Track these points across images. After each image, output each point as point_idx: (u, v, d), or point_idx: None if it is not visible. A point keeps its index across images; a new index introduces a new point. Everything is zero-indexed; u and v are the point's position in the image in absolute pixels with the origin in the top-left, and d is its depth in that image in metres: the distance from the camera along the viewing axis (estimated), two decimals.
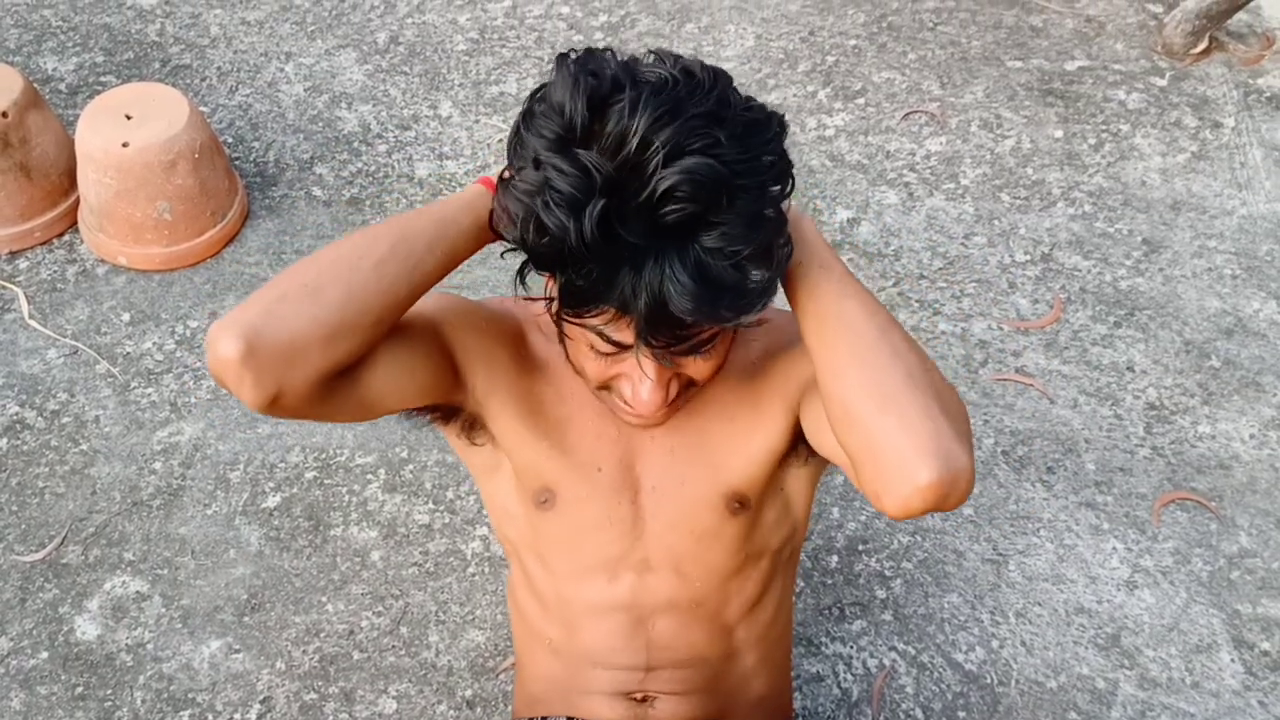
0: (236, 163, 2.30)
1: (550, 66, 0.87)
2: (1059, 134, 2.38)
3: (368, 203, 2.24)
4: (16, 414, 1.90)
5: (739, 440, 1.09)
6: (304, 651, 1.64)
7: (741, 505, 1.11)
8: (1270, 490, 1.82)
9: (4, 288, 2.09)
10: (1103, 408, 1.92)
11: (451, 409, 1.10)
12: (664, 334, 0.85)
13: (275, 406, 0.89)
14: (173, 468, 1.84)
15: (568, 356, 0.99)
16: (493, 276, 2.09)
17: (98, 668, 1.62)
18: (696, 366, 0.96)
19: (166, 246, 2.08)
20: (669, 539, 1.12)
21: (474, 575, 1.72)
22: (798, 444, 1.08)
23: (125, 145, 1.96)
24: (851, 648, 1.66)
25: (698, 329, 0.86)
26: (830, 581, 1.72)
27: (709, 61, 0.87)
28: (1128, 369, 1.98)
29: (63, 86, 2.45)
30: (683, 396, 1.01)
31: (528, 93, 0.90)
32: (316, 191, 2.26)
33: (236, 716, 1.58)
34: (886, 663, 1.64)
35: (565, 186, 0.79)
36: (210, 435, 1.88)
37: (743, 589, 1.17)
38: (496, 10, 2.65)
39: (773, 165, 0.84)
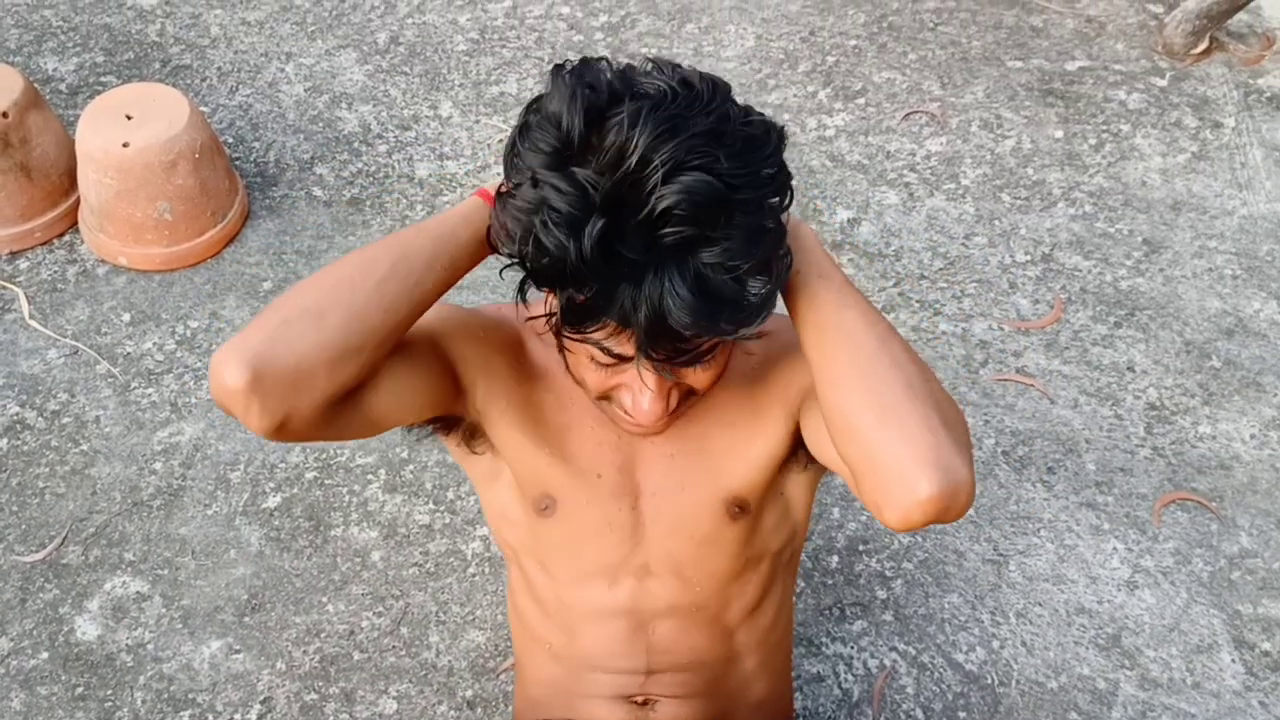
0: (237, 163, 2.30)
1: (550, 67, 0.85)
2: (1059, 134, 2.38)
3: (368, 203, 2.24)
4: (17, 414, 1.90)
5: (739, 446, 1.08)
6: (304, 652, 1.64)
7: (741, 510, 1.10)
8: (1271, 490, 1.82)
9: (4, 288, 2.09)
10: (1103, 408, 1.92)
11: (453, 419, 1.10)
12: (664, 346, 0.84)
13: (283, 432, 0.88)
14: (173, 468, 1.84)
15: (568, 367, 0.99)
16: (492, 276, 2.08)
17: (98, 668, 1.63)
18: (697, 376, 0.96)
19: (167, 247, 2.08)
20: (669, 544, 1.12)
21: (474, 575, 1.72)
22: (798, 450, 1.08)
23: (126, 145, 1.96)
24: (852, 648, 1.66)
25: (698, 341, 0.86)
26: (831, 582, 1.72)
27: (709, 62, 0.87)
28: (1128, 369, 1.98)
29: (63, 87, 2.45)
30: (683, 405, 1.01)
31: (528, 93, 0.89)
32: (317, 192, 2.26)
33: (237, 717, 1.58)
34: (887, 663, 1.64)
35: (563, 206, 0.78)
36: (210, 435, 1.88)
37: (743, 593, 1.17)
38: (497, 10, 2.65)
39: (772, 179, 0.84)
